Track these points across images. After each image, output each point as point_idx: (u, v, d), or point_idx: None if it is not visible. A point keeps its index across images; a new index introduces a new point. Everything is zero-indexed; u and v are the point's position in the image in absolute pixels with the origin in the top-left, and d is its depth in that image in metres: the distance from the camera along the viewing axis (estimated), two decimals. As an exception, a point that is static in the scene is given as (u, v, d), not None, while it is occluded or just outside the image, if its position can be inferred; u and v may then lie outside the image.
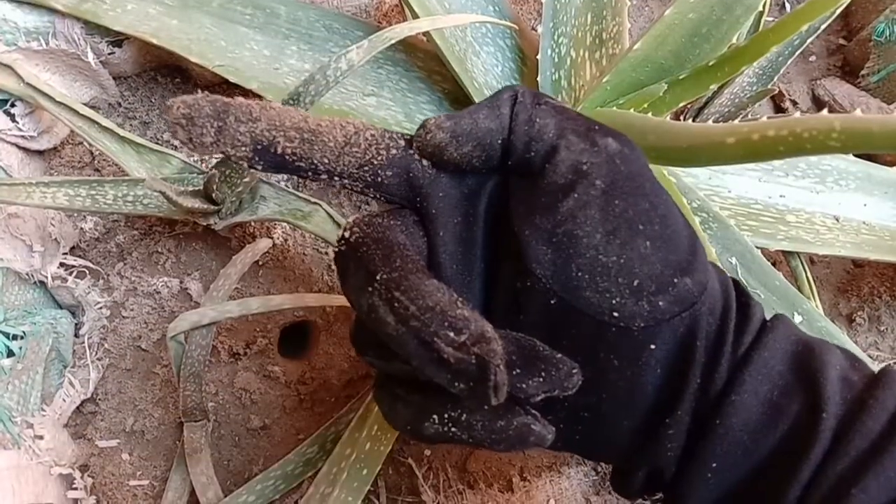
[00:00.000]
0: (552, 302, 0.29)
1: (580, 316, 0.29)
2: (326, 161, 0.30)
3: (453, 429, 0.28)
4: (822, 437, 0.28)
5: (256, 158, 0.30)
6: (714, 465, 0.29)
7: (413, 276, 0.26)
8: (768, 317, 0.33)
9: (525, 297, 0.30)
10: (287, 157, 0.30)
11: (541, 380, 0.27)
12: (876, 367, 0.53)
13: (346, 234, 0.30)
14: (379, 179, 0.31)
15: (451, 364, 0.25)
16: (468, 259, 0.31)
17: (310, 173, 0.31)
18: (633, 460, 0.32)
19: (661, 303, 0.28)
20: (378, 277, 0.27)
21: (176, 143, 0.62)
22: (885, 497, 0.27)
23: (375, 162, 0.30)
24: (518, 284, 0.30)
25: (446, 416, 0.28)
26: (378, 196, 0.31)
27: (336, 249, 0.30)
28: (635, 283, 0.28)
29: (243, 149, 0.29)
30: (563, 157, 0.28)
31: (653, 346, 0.29)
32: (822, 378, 0.29)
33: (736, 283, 0.33)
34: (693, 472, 0.30)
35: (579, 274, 0.28)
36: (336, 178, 0.31)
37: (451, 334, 0.25)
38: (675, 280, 0.28)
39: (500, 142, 0.30)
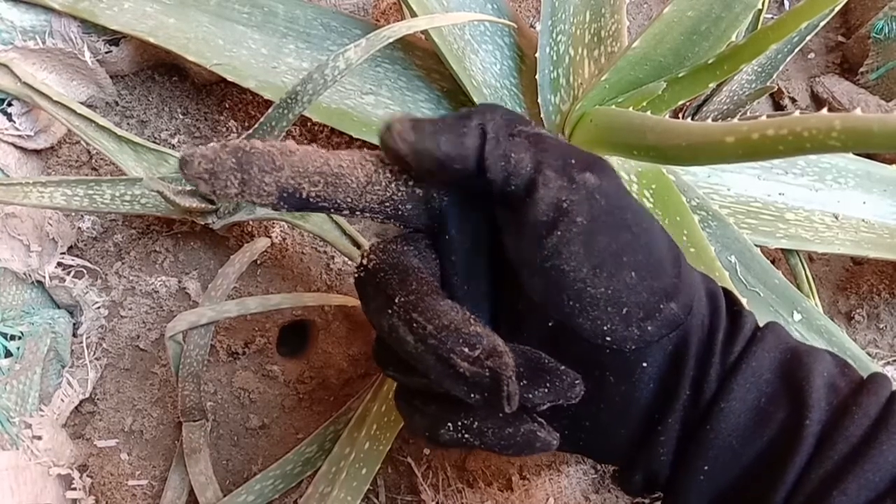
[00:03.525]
0: (549, 324, 0.31)
1: (576, 337, 0.30)
2: (349, 200, 0.31)
3: (466, 435, 0.30)
4: (806, 443, 0.30)
5: (282, 203, 0.31)
6: (706, 467, 0.31)
7: (428, 298, 0.29)
8: (762, 322, 0.35)
9: (526, 317, 0.32)
10: (311, 200, 0.31)
11: (546, 390, 0.29)
12: (874, 364, 0.54)
13: (364, 262, 0.32)
14: (399, 212, 0.32)
15: (467, 377, 0.27)
16: (477, 280, 0.33)
17: (332, 210, 0.32)
18: (630, 464, 0.34)
19: (649, 327, 0.30)
20: (396, 300, 0.29)
21: (174, 142, 0.61)
22: (864, 498, 0.29)
23: (396, 198, 0.32)
24: (519, 306, 0.32)
25: (459, 424, 0.30)
26: (396, 224, 0.33)
27: (355, 276, 0.32)
28: (624, 311, 0.29)
29: (269, 197, 0.30)
30: (542, 195, 0.28)
31: (644, 364, 0.31)
32: (807, 386, 0.31)
33: (727, 292, 0.35)
34: (686, 473, 0.32)
35: (570, 303, 0.29)
36: (357, 213, 0.32)
37: (466, 350, 0.27)
38: (662, 306, 0.30)
39: (460, 169, 0.30)
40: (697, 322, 0.32)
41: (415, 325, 0.28)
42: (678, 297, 0.30)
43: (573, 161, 0.29)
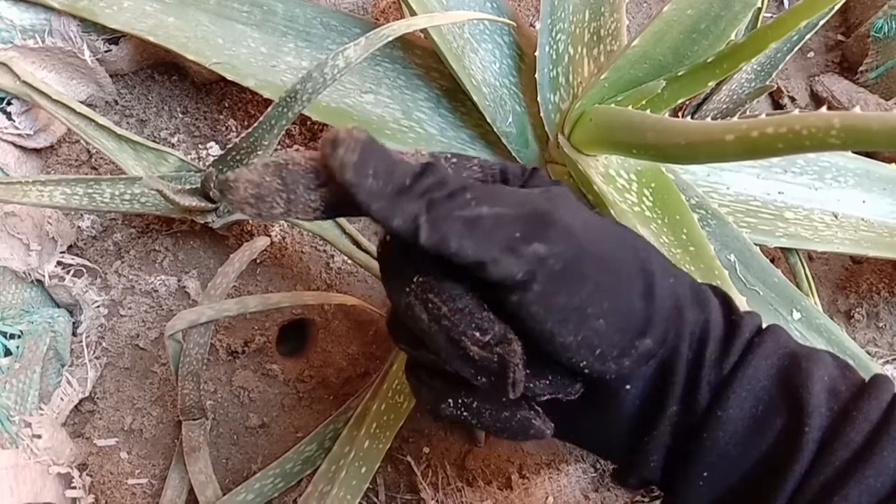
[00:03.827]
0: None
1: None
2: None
3: (465, 413, 0.32)
4: (807, 449, 0.30)
5: (324, 216, 0.30)
6: (704, 473, 0.32)
7: (445, 281, 0.29)
8: (765, 323, 0.35)
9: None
10: (352, 210, 0.30)
11: (547, 382, 0.30)
12: (874, 363, 0.54)
13: (387, 238, 0.32)
14: None
15: (476, 361, 0.28)
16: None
17: (368, 215, 0.30)
18: (623, 465, 0.35)
19: (626, 362, 0.30)
20: (414, 280, 0.29)
21: (173, 140, 0.61)
22: (866, 503, 0.29)
23: None
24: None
25: (460, 401, 0.32)
26: None
27: (378, 250, 0.32)
28: (597, 352, 0.29)
29: (314, 213, 0.30)
30: (492, 272, 0.28)
31: (627, 387, 0.32)
32: (805, 393, 0.31)
33: (725, 298, 0.35)
34: (686, 479, 0.32)
35: (545, 347, 0.29)
36: None
37: (478, 334, 0.28)
38: (637, 343, 0.30)
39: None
40: (683, 342, 0.32)
41: (430, 305, 0.29)
42: (651, 330, 0.30)
43: (517, 235, 0.28)
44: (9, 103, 0.54)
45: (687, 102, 0.66)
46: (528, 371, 0.30)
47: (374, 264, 0.55)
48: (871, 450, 0.29)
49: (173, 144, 0.61)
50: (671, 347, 0.32)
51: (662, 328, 0.31)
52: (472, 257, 0.27)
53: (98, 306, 0.58)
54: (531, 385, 0.30)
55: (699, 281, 0.35)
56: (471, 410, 0.32)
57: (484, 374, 0.29)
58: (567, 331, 0.29)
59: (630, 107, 0.52)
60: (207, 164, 0.58)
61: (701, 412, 0.32)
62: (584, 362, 0.29)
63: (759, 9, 0.60)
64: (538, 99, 0.55)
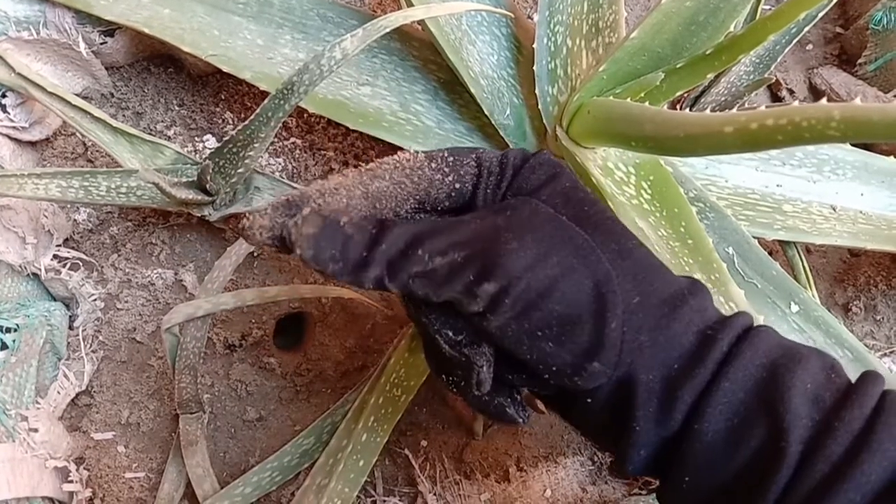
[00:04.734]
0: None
1: None
2: (393, 207, 0.35)
3: (455, 389, 0.35)
4: (786, 463, 0.30)
5: None
6: (686, 478, 0.32)
7: None
8: (760, 314, 0.34)
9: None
10: None
11: (524, 377, 0.34)
12: (871, 356, 0.54)
13: None
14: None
15: (447, 357, 0.32)
16: None
17: None
18: (614, 459, 0.35)
19: (578, 381, 0.32)
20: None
21: (169, 133, 0.61)
22: None
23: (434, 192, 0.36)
24: None
25: (452, 379, 0.35)
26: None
27: None
28: (553, 369, 0.32)
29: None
30: (458, 307, 0.32)
31: (588, 400, 0.33)
32: (781, 407, 0.31)
33: (704, 303, 0.34)
34: (671, 479, 0.33)
35: (508, 357, 0.33)
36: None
37: (450, 333, 0.32)
38: (586, 364, 0.32)
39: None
40: (640, 364, 0.32)
41: (414, 298, 0.32)
42: (601, 354, 0.31)
43: (471, 278, 0.31)
44: (4, 96, 0.54)
45: (685, 95, 0.66)
46: (506, 365, 0.33)
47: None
48: (852, 463, 0.29)
49: (169, 137, 0.61)
50: (626, 370, 0.32)
51: (614, 352, 0.32)
52: (439, 300, 0.32)
53: (94, 300, 0.58)
54: (510, 377, 0.34)
55: (688, 277, 0.35)
56: (460, 388, 0.34)
57: (457, 369, 0.33)
58: (522, 351, 0.32)
59: (628, 99, 0.51)
60: (204, 156, 0.58)
61: (677, 425, 0.32)
62: (545, 375, 0.32)
63: (758, 0, 0.59)
64: (536, 91, 0.55)
